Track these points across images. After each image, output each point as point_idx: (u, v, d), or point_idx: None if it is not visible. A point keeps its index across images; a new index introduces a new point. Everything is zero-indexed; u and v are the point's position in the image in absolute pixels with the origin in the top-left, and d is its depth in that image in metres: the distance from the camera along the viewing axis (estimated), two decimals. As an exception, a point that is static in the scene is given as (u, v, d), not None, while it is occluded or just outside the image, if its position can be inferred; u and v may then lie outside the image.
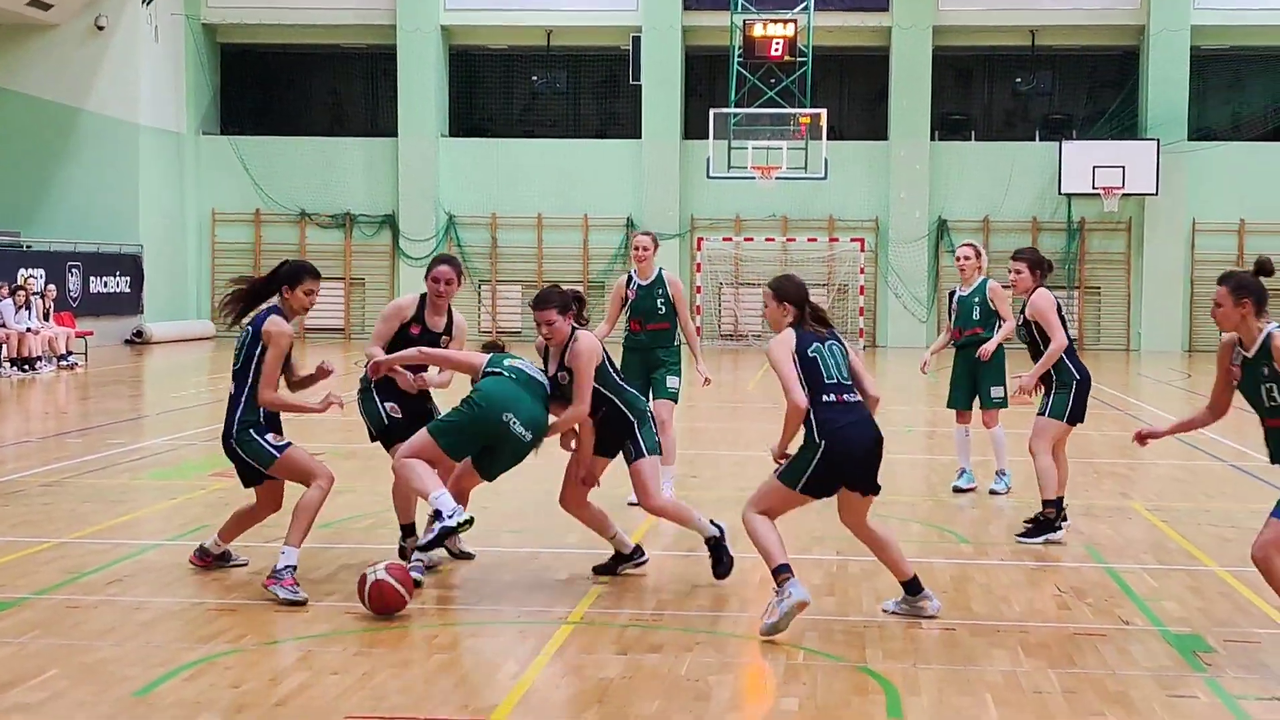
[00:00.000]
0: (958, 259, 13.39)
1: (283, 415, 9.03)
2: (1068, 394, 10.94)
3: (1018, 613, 8.66)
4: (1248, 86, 38.63)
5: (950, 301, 13.46)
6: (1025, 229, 37.19)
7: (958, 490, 13.24)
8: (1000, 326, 12.95)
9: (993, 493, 13.10)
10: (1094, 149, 36.12)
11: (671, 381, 12.35)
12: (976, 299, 13.22)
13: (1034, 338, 11.10)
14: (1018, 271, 11.36)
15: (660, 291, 12.48)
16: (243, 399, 8.85)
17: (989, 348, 12.84)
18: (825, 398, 8.27)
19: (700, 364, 12.64)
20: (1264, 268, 7.77)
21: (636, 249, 12.54)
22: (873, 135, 38.18)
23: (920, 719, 6.62)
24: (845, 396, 8.30)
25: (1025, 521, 11.04)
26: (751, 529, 8.29)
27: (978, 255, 13.23)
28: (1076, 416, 10.98)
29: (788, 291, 8.69)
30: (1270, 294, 7.77)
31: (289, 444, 8.93)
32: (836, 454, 8.16)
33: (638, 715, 6.62)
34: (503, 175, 38.11)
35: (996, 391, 13.11)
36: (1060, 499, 10.87)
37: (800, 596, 7.98)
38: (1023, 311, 11.21)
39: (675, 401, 12.39)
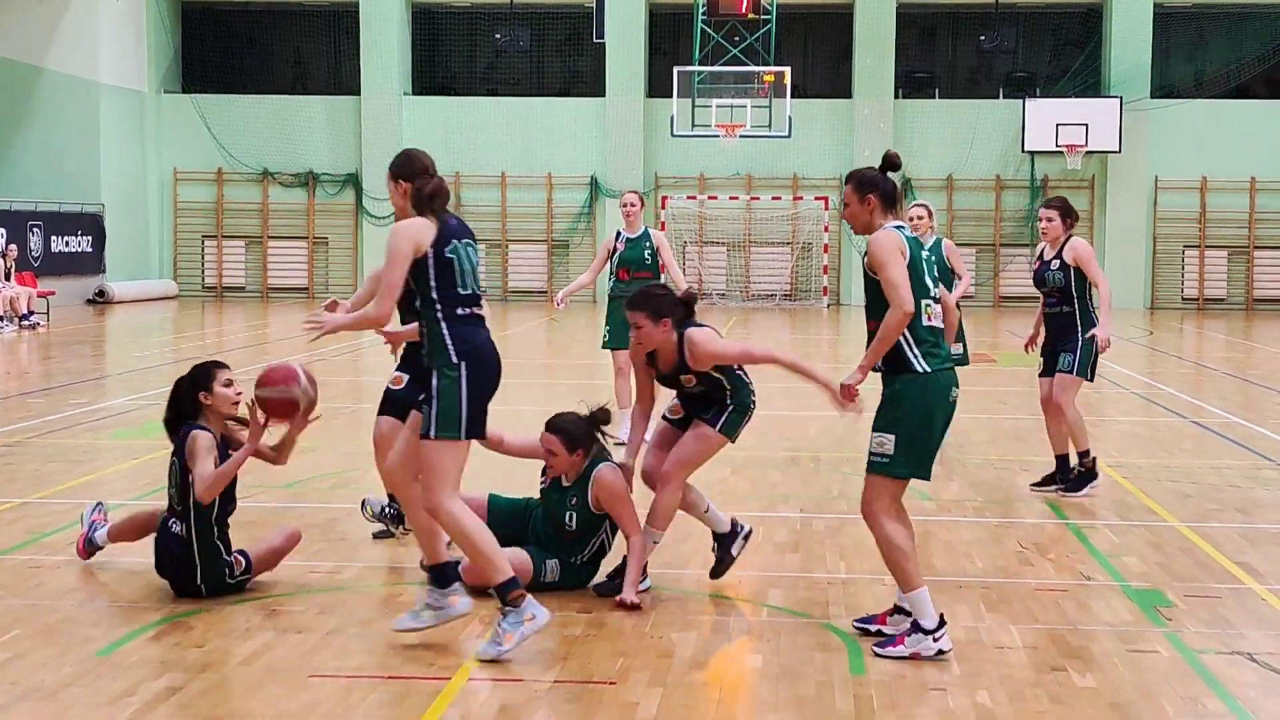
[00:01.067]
0: (910, 219, 13.19)
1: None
2: (1091, 348, 10.97)
3: (980, 569, 8.72)
4: (1210, 44, 38.72)
5: None
6: (989, 187, 37.27)
7: None
8: (957, 283, 12.80)
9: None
10: (1057, 107, 36.19)
11: None
12: (933, 257, 13.10)
13: (1068, 283, 11.03)
14: (1049, 220, 11.17)
15: (647, 245, 13.47)
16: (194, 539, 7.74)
17: (951, 301, 12.68)
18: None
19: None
20: (890, 162, 7.26)
21: (624, 205, 13.54)
22: (837, 93, 38.16)
23: (882, 675, 6.65)
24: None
25: (1053, 476, 11.08)
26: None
27: (929, 215, 13.03)
28: (1093, 371, 11.09)
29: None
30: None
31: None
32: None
33: (602, 673, 6.64)
34: (466, 134, 37.96)
35: (956, 348, 13.02)
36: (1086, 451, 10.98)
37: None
38: (1057, 257, 11.08)
39: None
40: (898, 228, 7.12)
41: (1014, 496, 11.15)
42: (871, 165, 7.36)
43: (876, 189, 7.17)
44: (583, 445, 8.13)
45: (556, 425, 8.24)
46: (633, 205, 13.50)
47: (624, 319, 11.11)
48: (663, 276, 13.40)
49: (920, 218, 12.99)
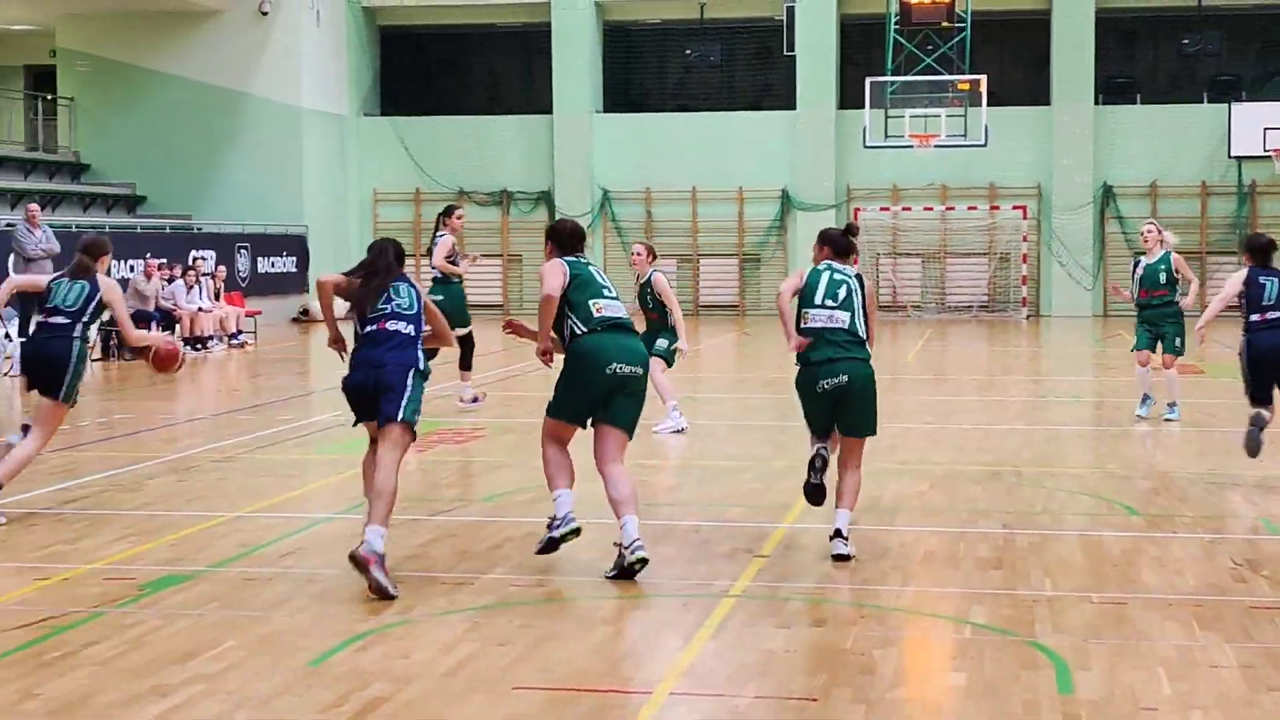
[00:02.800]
0: (1141, 233, 16.19)
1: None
2: None
3: (1191, 586, 8.50)
4: None
5: (1135, 268, 15.91)
6: (1194, 193, 36.38)
7: (1140, 419, 15.67)
8: (1185, 290, 15.68)
9: (1167, 420, 15.51)
10: (1265, 110, 35.15)
11: (660, 343, 14.99)
12: (1162, 266, 15.68)
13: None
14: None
15: (648, 291, 15.23)
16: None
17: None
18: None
19: (683, 341, 15.15)
20: (851, 230, 9.73)
21: (635, 256, 15.60)
22: (1034, 100, 37.54)
23: (1092, 694, 6.52)
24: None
25: None
26: None
27: (1158, 230, 15.82)
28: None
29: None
30: None
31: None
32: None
33: (802, 689, 6.61)
34: (657, 149, 38.14)
35: (1179, 341, 15.65)
36: None
37: None
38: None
39: (663, 357, 14.93)
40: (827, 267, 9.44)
41: (1225, 511, 10.87)
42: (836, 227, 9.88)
43: (828, 242, 9.54)
44: None
45: None
46: (639, 255, 15.57)
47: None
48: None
49: (1149, 232, 15.86)
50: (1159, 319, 15.69)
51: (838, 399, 9.16)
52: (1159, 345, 15.69)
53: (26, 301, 22.53)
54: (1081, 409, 17.58)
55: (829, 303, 9.22)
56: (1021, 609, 7.97)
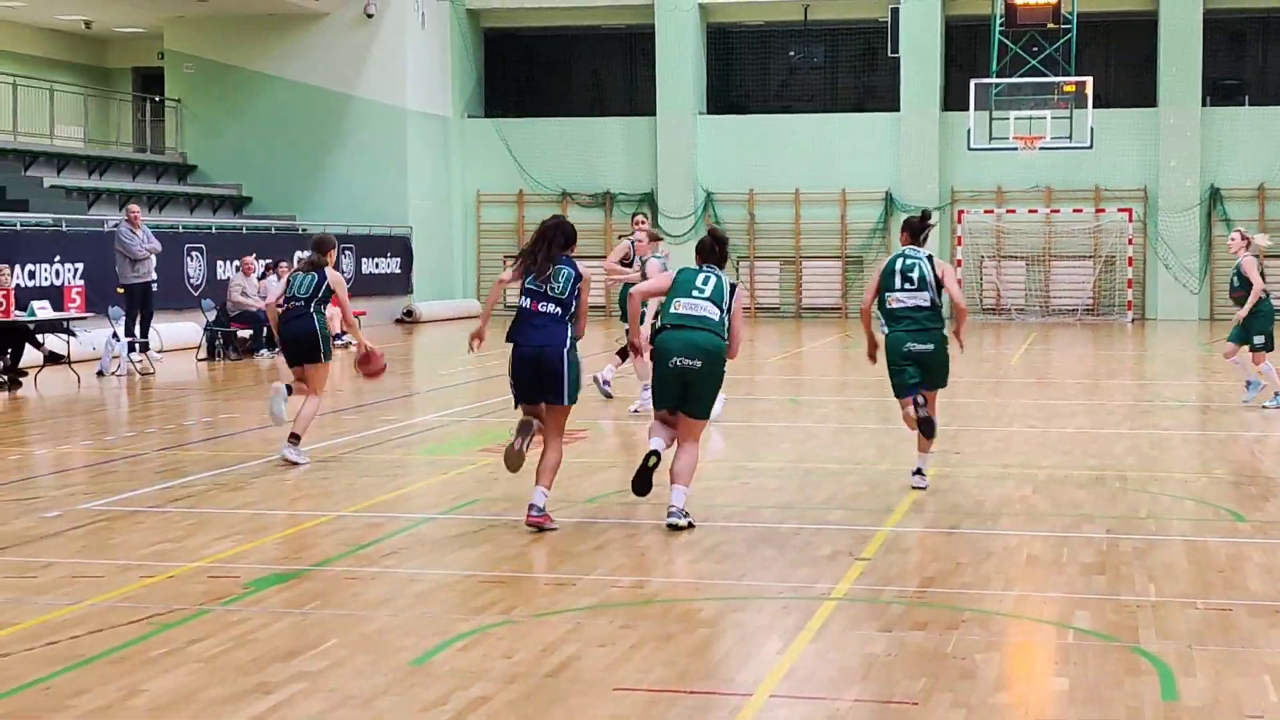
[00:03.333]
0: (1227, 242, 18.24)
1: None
2: None
3: (1298, 593, 8.38)
4: None
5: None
6: (1303, 196, 35.78)
7: (1243, 403, 17.27)
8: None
9: (1265, 407, 16.77)
10: (1377, 111, 34.53)
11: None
12: (1235, 271, 17.60)
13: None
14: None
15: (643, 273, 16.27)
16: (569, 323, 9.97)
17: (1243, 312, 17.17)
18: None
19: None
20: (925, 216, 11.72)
21: (637, 225, 17.12)
22: (1140, 102, 37.08)
23: (1197, 701, 6.44)
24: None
25: None
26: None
27: (1240, 236, 17.81)
28: None
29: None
30: None
31: None
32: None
33: (903, 693, 6.58)
34: (760, 151, 38.09)
35: (1258, 339, 17.11)
36: None
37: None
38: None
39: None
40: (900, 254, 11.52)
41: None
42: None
43: (907, 228, 11.63)
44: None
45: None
46: (640, 224, 17.22)
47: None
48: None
49: (1233, 239, 17.86)
50: (1244, 318, 17.25)
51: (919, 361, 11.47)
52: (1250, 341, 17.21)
53: (132, 302, 22.98)
54: (1187, 413, 17.35)
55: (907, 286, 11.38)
56: (1125, 614, 7.89)
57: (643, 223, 17.31)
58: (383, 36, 36.20)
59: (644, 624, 7.73)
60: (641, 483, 10.16)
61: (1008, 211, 36.90)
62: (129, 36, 40.00)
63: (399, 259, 36.21)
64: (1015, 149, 33.46)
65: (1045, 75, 34.14)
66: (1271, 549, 9.57)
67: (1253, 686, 6.62)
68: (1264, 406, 16.83)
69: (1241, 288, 17.28)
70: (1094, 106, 33.30)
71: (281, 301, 13.57)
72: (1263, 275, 17.31)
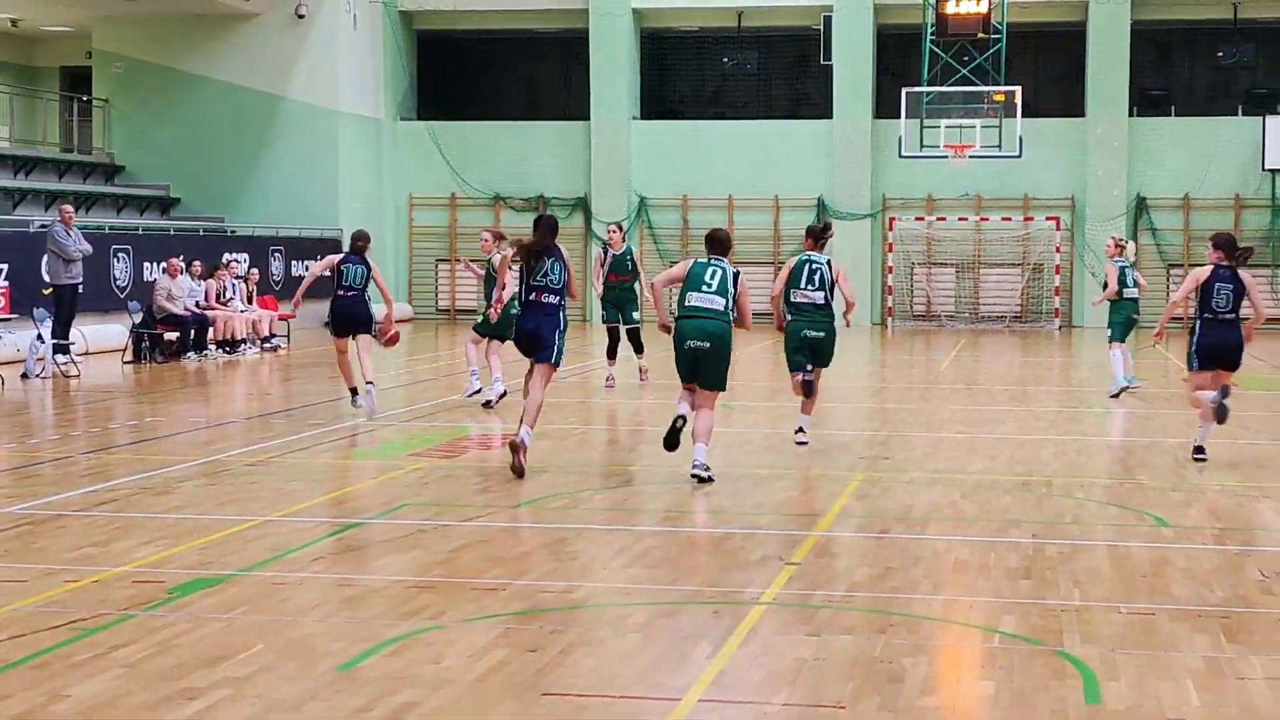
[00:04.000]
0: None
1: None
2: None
3: (1219, 597, 8.48)
4: None
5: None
6: (1227, 206, 36.24)
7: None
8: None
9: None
10: (1300, 123, 35.01)
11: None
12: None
13: None
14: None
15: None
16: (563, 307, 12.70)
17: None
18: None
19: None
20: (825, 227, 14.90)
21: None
22: (1069, 112, 37.45)
23: (1120, 705, 6.51)
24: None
25: None
26: None
27: (1115, 244, 19.77)
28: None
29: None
30: None
31: None
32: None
33: (831, 697, 6.62)
34: (694, 157, 38.17)
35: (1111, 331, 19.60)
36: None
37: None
38: None
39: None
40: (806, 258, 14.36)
41: (1254, 523, 10.85)
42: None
43: (810, 234, 14.50)
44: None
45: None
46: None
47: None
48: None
49: (1108, 245, 19.88)
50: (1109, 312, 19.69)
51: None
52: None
53: (60, 304, 22.71)
54: (1113, 420, 17.53)
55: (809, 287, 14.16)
56: (1050, 619, 7.96)
57: (614, 231, 20.84)
58: (314, 38, 36.01)
59: (574, 629, 7.73)
60: (671, 440, 12.33)
61: (938, 219, 37.16)
62: (57, 35, 39.61)
63: (329, 262, 35.98)
64: (946, 157, 33.70)
65: (975, 84, 34.40)
66: (1194, 554, 9.68)
67: (1175, 690, 6.70)
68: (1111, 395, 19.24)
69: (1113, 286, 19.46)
70: (1023, 116, 33.58)
71: (338, 287, 17.27)
72: (1134, 283, 19.55)
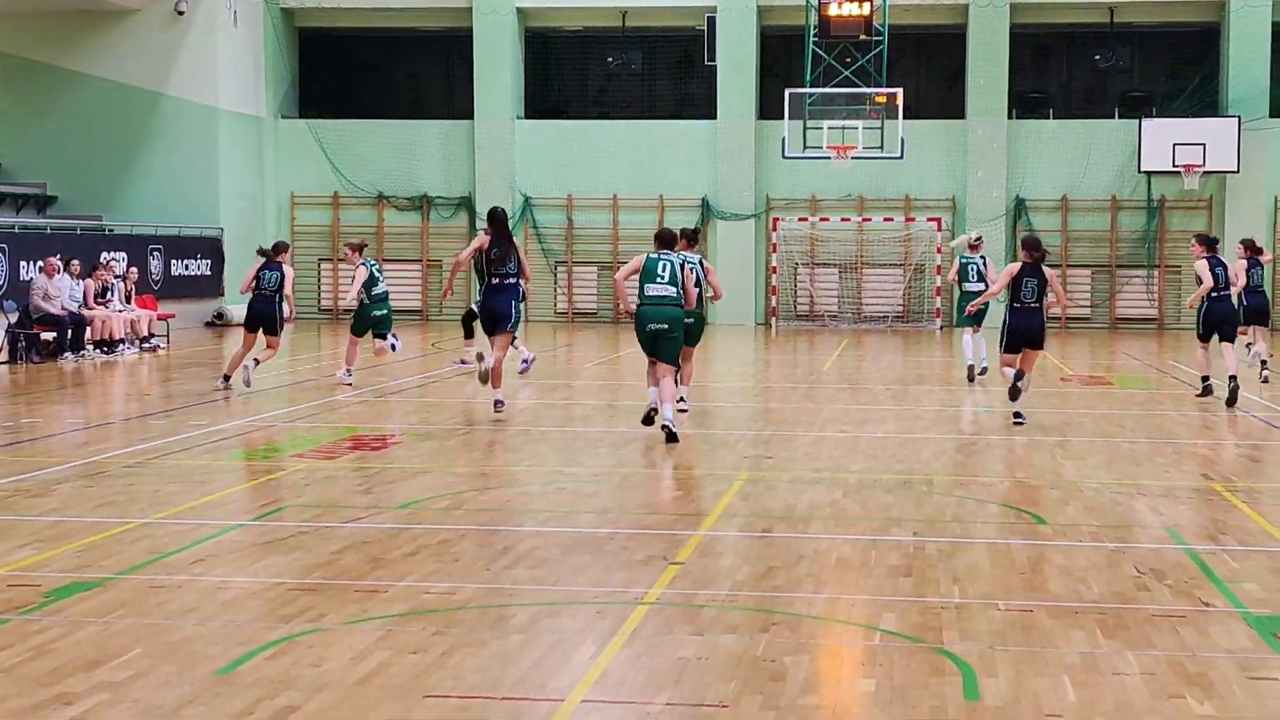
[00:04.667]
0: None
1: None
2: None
3: (1096, 594, 8.61)
4: (1332, 61, 38.01)
5: None
6: (1104, 208, 36.85)
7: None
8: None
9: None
10: (1174, 126, 35.70)
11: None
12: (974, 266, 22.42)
13: None
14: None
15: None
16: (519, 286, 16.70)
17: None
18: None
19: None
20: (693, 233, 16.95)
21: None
22: (950, 114, 37.91)
23: (997, 700, 6.60)
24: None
25: None
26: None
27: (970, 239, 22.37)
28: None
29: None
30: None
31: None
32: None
33: (714, 696, 6.64)
34: (578, 157, 38.16)
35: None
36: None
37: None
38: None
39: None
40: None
41: (1131, 521, 11.02)
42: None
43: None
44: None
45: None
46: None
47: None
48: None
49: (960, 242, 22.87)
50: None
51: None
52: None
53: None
54: (993, 419, 17.76)
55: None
56: (930, 616, 8.05)
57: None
58: (194, 34, 35.55)
59: (456, 630, 7.69)
60: (648, 420, 15.17)
61: (821, 219, 37.43)
62: (-71, 30, 38.78)
63: (210, 260, 35.58)
64: (829, 158, 33.95)
65: (858, 86, 34.70)
66: (1071, 551, 9.83)
67: (1052, 686, 6.80)
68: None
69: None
70: (905, 117, 33.92)
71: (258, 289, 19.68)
72: (979, 277, 21.89)
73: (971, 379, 21.40)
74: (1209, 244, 18.87)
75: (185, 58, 35.52)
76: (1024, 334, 16.61)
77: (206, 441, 15.01)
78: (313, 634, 7.57)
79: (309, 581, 8.73)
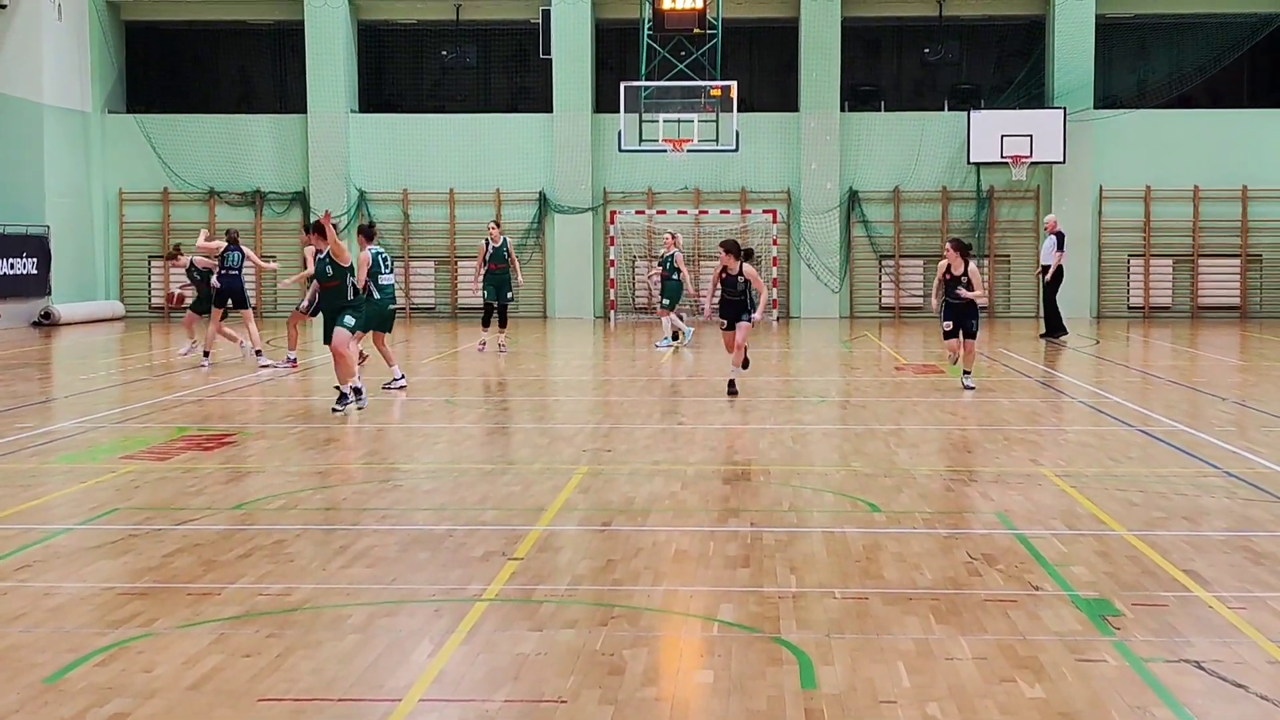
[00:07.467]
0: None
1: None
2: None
3: (929, 580, 8.74)
4: (1152, 54, 39.08)
5: None
6: (935, 199, 37.48)
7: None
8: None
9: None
10: (1002, 118, 36.45)
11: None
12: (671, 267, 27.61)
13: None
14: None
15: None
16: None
17: None
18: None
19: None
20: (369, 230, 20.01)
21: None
22: (783, 107, 38.31)
23: (834, 688, 6.67)
24: None
25: None
26: None
27: (672, 237, 27.35)
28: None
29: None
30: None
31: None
32: None
33: (552, 691, 6.63)
34: (414, 151, 37.92)
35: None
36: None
37: None
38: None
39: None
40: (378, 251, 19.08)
41: (963, 508, 11.21)
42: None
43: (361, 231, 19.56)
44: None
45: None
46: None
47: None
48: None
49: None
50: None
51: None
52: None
53: None
54: (828, 409, 17.96)
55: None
56: (767, 606, 8.11)
57: (492, 228, 25.82)
58: (16, 27, 34.71)
59: (291, 632, 7.59)
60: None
61: (658, 212, 37.59)
62: None
63: (35, 259, 34.76)
64: (665, 151, 34.10)
65: (692, 79, 34.90)
66: (904, 538, 9.97)
67: (887, 673, 6.88)
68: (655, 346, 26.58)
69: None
70: (739, 110, 34.20)
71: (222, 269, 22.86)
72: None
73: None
74: (962, 249, 19.72)
75: (7, 52, 34.68)
76: (725, 317, 19.62)
77: (33, 444, 14.65)
78: (143, 639, 7.42)
79: (140, 586, 8.56)
